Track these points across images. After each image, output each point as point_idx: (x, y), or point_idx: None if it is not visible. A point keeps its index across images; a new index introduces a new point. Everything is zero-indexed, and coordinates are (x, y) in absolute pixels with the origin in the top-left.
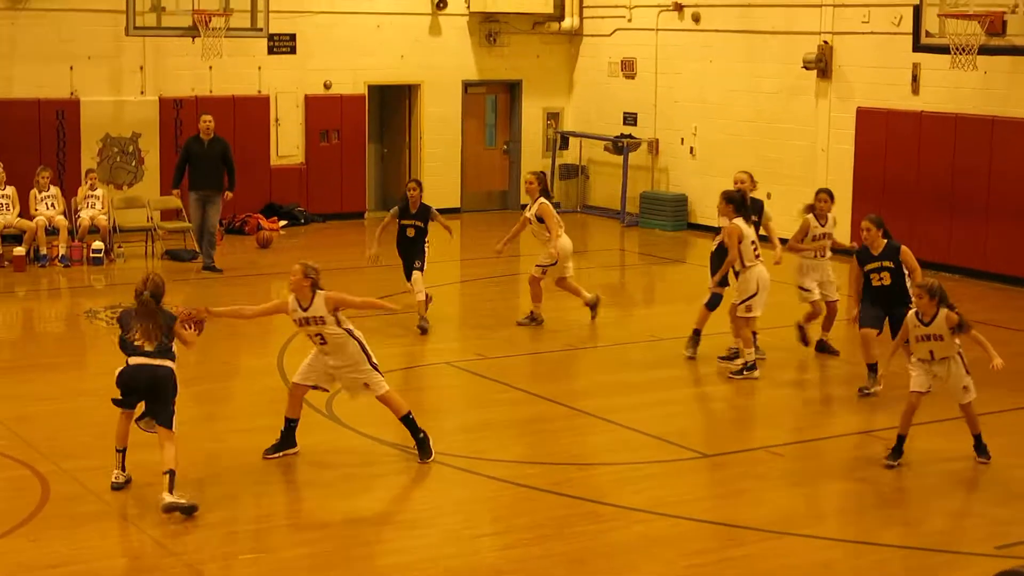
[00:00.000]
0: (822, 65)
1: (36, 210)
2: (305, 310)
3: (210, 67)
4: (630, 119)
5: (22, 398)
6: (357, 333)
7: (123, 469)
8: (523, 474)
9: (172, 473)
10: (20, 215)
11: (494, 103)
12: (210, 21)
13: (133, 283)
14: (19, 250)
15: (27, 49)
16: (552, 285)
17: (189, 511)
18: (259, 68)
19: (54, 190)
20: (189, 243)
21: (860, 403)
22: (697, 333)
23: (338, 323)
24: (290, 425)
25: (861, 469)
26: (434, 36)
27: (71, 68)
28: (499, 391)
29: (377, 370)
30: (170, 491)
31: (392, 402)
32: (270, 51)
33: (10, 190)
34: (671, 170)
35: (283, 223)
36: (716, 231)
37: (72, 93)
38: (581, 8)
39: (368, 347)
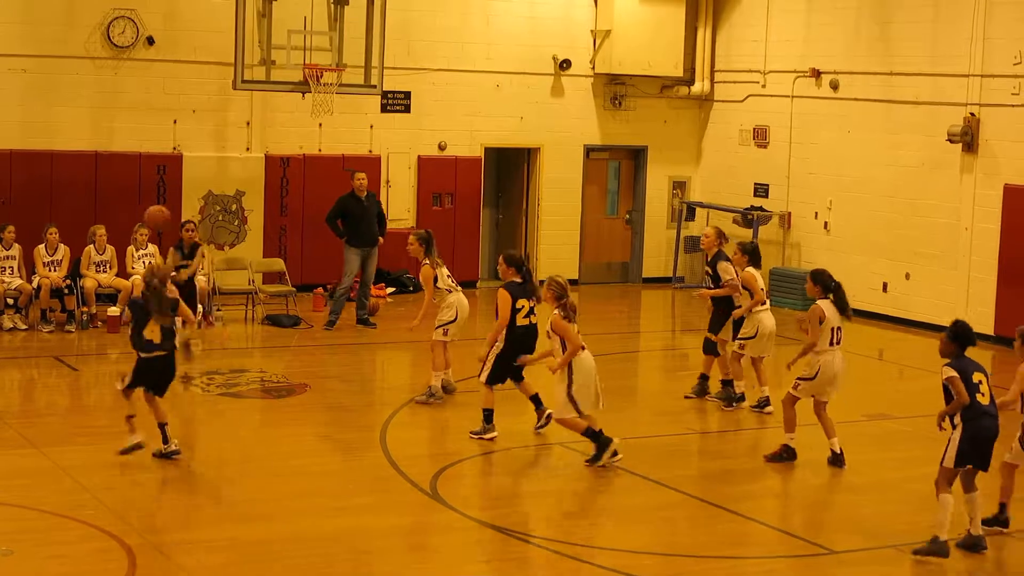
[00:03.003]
0: (968, 138)
1: (133, 269)
2: None
3: (320, 124)
4: (761, 190)
5: (111, 466)
6: None
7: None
8: (638, 564)
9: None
10: (117, 274)
11: (617, 169)
12: (321, 76)
13: (232, 349)
14: (113, 310)
15: (129, 100)
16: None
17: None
18: (371, 127)
19: (152, 248)
20: (291, 308)
21: (991, 502)
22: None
23: None
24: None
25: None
26: (556, 98)
27: (175, 121)
28: (615, 475)
29: None
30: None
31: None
32: (383, 109)
33: (109, 251)
34: (803, 245)
35: (391, 290)
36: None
37: (175, 148)
38: (712, 72)
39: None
